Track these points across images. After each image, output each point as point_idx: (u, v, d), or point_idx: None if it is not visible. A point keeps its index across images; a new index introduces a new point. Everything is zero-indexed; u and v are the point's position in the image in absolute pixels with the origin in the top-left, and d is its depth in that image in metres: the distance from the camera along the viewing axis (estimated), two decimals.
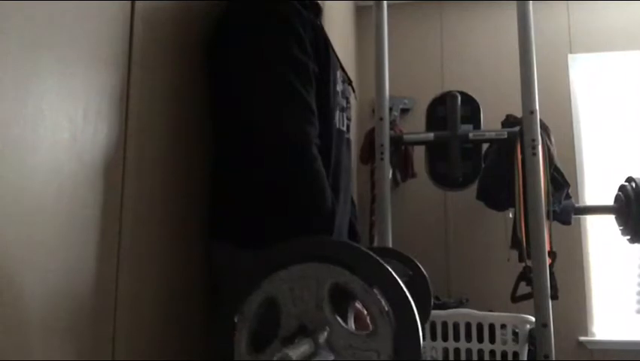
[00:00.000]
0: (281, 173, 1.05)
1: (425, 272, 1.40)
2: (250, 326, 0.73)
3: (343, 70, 1.32)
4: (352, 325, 0.88)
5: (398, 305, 0.69)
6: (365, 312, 0.75)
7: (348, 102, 1.32)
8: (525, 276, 2.17)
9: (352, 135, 1.68)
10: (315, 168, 1.06)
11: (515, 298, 2.28)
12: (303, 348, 0.65)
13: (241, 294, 0.75)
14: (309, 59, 1.12)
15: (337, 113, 1.24)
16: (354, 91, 1.36)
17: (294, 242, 0.78)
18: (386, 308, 0.68)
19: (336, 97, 1.22)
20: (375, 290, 0.69)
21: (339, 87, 1.25)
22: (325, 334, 0.70)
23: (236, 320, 0.73)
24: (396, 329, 0.67)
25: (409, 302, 0.68)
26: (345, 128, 1.29)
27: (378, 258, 0.72)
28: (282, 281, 0.74)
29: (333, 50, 1.27)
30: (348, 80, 1.34)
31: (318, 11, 1.30)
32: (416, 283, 1.38)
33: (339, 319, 0.72)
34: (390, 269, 0.70)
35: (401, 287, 0.69)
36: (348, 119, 1.32)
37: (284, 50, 1.09)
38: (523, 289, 2.23)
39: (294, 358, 0.62)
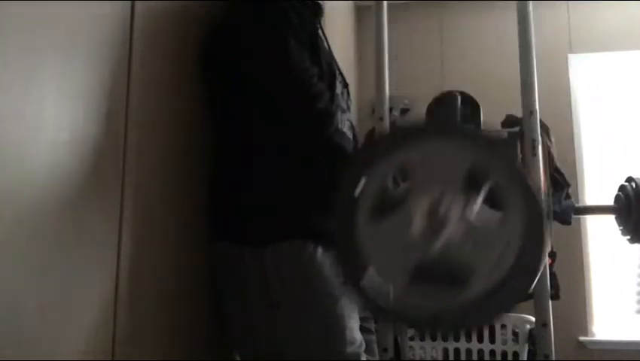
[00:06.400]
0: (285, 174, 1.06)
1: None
2: (376, 188, 0.72)
3: (341, 73, 1.32)
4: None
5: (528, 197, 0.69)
6: None
7: (347, 104, 1.32)
8: None
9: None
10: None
11: None
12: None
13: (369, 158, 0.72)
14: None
15: (339, 115, 1.24)
16: (349, 94, 1.35)
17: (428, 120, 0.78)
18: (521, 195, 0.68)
19: (336, 99, 1.22)
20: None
21: (338, 90, 1.25)
22: (462, 206, 0.69)
23: (363, 179, 0.71)
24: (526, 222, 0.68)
25: (538, 202, 0.69)
26: (347, 130, 1.28)
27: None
28: (419, 151, 0.72)
29: (332, 55, 1.27)
30: (344, 84, 1.34)
31: (318, 11, 1.30)
32: None
33: (475, 195, 0.71)
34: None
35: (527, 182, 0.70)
36: (349, 120, 1.32)
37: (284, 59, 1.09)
38: None
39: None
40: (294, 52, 1.08)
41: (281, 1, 1.13)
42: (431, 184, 0.72)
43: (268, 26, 1.11)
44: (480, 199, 0.76)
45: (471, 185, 0.73)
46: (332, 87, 1.19)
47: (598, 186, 3.14)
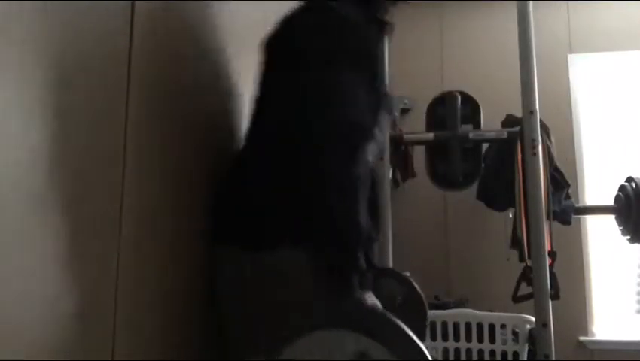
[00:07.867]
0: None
1: (419, 291, 1.43)
2: None
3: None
4: None
5: None
6: None
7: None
8: (526, 276, 2.17)
9: None
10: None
11: (516, 299, 2.27)
12: None
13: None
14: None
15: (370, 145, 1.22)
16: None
17: (317, 306, 0.79)
18: None
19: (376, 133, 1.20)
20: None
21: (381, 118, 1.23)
22: None
23: None
24: None
25: None
26: (371, 157, 1.27)
27: (400, 324, 0.74)
28: (304, 349, 0.75)
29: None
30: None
31: (386, 29, 1.30)
32: (410, 302, 1.41)
33: None
34: (412, 336, 0.71)
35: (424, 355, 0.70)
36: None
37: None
38: (524, 289, 2.23)
39: None
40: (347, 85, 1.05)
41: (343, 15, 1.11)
42: None
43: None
44: None
45: None
46: (377, 118, 1.14)
47: (598, 186, 3.15)
